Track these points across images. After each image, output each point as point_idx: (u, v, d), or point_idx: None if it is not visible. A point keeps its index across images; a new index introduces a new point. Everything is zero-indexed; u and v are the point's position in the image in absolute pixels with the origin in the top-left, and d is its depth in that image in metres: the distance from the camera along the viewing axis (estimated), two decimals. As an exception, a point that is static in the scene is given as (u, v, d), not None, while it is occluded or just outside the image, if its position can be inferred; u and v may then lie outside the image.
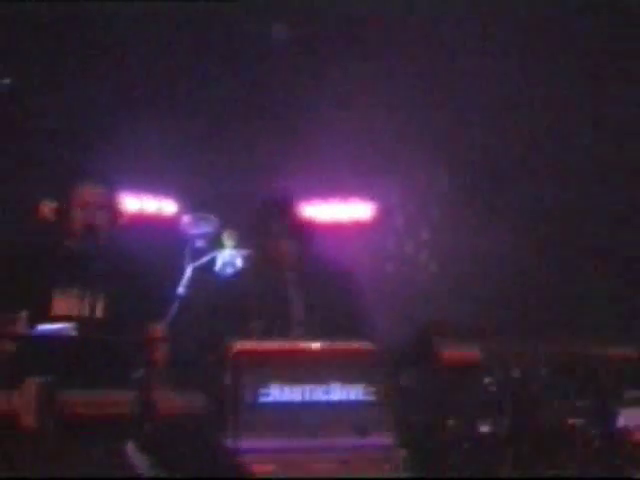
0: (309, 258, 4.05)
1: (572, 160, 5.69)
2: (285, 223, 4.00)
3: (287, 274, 4.04)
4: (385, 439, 3.01)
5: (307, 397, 2.97)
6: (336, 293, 3.99)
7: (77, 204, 3.76)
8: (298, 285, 4.03)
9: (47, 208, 3.76)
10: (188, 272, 5.79)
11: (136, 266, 3.87)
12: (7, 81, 5.33)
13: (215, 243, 5.92)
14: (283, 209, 4.06)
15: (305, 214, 4.28)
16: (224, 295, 4.07)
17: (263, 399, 2.94)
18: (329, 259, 4.18)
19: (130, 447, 2.93)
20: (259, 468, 2.87)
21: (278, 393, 2.95)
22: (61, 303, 3.62)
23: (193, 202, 5.83)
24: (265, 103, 5.80)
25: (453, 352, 3.25)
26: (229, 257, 5.86)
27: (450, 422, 3.23)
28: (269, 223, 4.01)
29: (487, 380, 3.29)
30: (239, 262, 5.82)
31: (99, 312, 3.54)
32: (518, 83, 5.61)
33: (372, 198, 6.00)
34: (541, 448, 3.18)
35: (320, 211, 5.99)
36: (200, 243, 5.87)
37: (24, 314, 3.04)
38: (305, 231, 4.07)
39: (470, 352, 3.26)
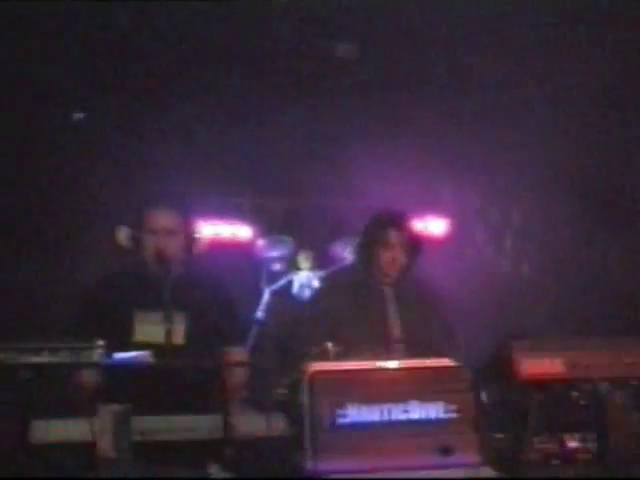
0: (410, 274, 4.09)
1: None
2: (401, 234, 4.05)
3: (386, 290, 4.05)
4: (469, 458, 2.94)
5: (386, 417, 2.92)
6: (430, 310, 4.04)
7: (148, 230, 3.78)
8: (396, 301, 4.04)
9: (123, 234, 3.80)
10: (266, 296, 5.81)
11: (212, 292, 3.87)
12: (81, 115, 5.47)
13: (291, 265, 5.93)
14: (400, 221, 4.11)
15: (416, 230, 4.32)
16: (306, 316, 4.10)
17: (341, 420, 2.90)
18: (420, 276, 4.18)
19: (213, 471, 2.93)
20: (340, 491, 2.83)
21: (356, 413, 2.91)
22: (138, 329, 3.65)
23: (268, 225, 5.86)
24: (338, 123, 5.80)
25: (535, 366, 3.16)
26: (306, 279, 5.86)
27: (536, 439, 3.14)
28: (386, 233, 4.05)
29: (574, 394, 3.20)
30: (316, 283, 5.81)
31: (176, 338, 3.55)
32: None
33: (446, 214, 5.95)
34: (630, 464, 3.07)
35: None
36: (276, 266, 5.89)
37: (101, 343, 3.07)
38: (416, 247, 4.11)
39: (552, 365, 3.17)
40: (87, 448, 2.75)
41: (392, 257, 4.05)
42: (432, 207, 5.89)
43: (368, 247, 4.11)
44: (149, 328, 3.61)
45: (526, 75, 5.53)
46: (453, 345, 3.95)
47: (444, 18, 5.14)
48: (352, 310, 3.97)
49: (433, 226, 6.15)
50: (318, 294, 4.70)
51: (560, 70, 5.46)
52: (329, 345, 3.54)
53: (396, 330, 4.00)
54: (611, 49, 5.26)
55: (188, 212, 3.90)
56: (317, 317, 3.99)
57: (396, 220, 4.12)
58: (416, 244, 4.13)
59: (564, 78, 5.50)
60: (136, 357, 3.15)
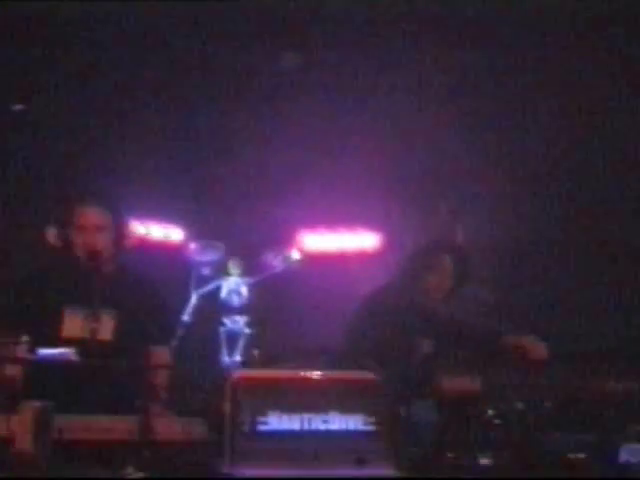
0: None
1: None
2: (456, 262, 4.18)
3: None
4: (384, 470, 2.99)
5: (306, 426, 2.96)
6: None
7: (76, 227, 3.77)
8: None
9: (51, 234, 3.78)
10: (193, 299, 5.81)
11: (142, 290, 3.88)
12: (19, 107, 5.40)
13: (221, 271, 5.93)
14: (456, 250, 4.27)
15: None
16: None
17: (261, 427, 2.92)
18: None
19: (129, 473, 2.92)
20: (256, 497, 2.85)
21: (277, 421, 2.93)
22: (66, 325, 3.63)
23: (200, 229, 5.85)
24: (274, 132, 5.83)
25: (454, 383, 3.24)
26: (234, 285, 5.87)
27: (450, 454, 3.21)
28: (439, 258, 4.16)
29: (489, 412, 3.28)
30: (244, 290, 5.82)
31: (103, 334, 3.54)
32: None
33: (379, 228, 6.02)
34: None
35: (327, 241, 6.00)
36: (206, 270, 5.89)
37: (26, 338, 3.05)
38: (465, 276, 4.23)
39: (471, 384, 3.25)
40: (5, 444, 2.73)
41: (439, 281, 4.16)
42: (364, 221, 5.95)
43: (416, 269, 4.19)
44: (77, 324, 3.60)
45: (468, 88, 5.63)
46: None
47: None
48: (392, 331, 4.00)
49: (365, 240, 6.21)
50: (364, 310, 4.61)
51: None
52: (255, 352, 3.57)
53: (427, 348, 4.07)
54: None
55: (117, 209, 3.90)
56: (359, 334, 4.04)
57: (450, 247, 4.29)
58: (465, 273, 4.25)
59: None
60: (60, 354, 3.14)
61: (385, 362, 3.61)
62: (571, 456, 3.22)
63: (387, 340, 3.96)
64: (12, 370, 3.27)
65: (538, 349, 3.77)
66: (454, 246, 4.37)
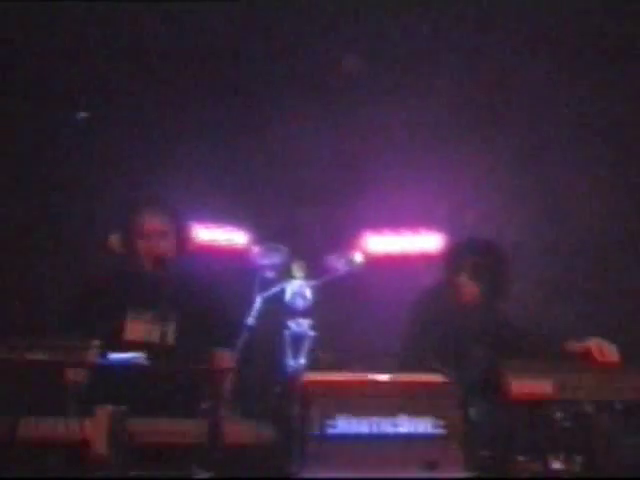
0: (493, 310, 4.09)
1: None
2: (481, 260, 4.05)
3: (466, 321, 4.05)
4: (454, 474, 2.96)
5: (374, 429, 2.95)
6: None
7: (139, 234, 3.82)
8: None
9: (115, 241, 3.83)
10: (257, 303, 5.82)
11: (206, 295, 3.91)
12: (83, 114, 5.48)
13: (285, 274, 5.93)
14: (483, 250, 4.11)
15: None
16: None
17: (330, 431, 2.92)
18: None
19: (199, 476, 2.95)
20: (325, 500, 2.85)
21: (345, 425, 2.93)
22: (133, 330, 3.67)
23: (263, 233, 5.87)
24: (335, 133, 5.82)
25: (523, 385, 3.20)
26: (298, 288, 5.87)
27: (520, 458, 3.17)
28: (466, 259, 4.07)
29: (559, 415, 3.23)
30: (308, 293, 5.82)
31: (170, 339, 3.58)
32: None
33: (440, 229, 5.96)
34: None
35: (390, 242, 5.97)
36: (270, 274, 5.90)
37: (96, 343, 3.09)
38: (499, 280, 4.08)
39: (541, 385, 3.21)
40: (79, 449, 2.77)
41: (470, 286, 4.05)
42: (426, 222, 5.90)
43: (448, 272, 4.12)
44: (142, 327, 3.64)
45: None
46: None
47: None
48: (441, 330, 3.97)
49: (427, 241, 6.16)
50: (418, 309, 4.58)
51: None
52: (320, 355, 3.57)
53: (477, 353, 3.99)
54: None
55: (179, 214, 3.95)
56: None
57: (478, 247, 4.14)
58: (497, 273, 4.09)
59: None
60: (131, 358, 3.18)
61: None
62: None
63: (439, 344, 3.90)
64: (81, 375, 3.33)
65: (606, 352, 3.68)
66: (483, 246, 4.14)
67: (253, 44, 5.42)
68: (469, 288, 4.06)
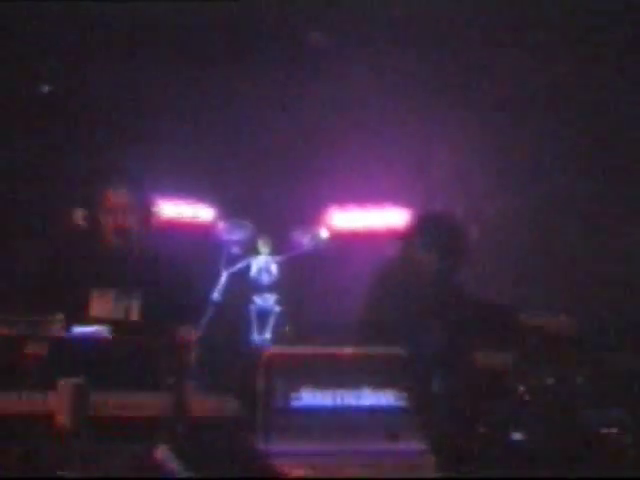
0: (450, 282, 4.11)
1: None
2: (440, 235, 4.07)
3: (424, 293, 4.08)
4: (416, 445, 3.00)
5: (338, 402, 2.98)
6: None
7: (103, 208, 3.80)
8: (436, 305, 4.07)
9: (78, 215, 3.82)
10: (223, 278, 5.83)
11: (171, 270, 3.90)
12: (46, 88, 5.43)
13: (250, 249, 5.94)
14: (442, 222, 4.14)
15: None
16: None
17: (294, 403, 2.95)
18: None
19: (162, 449, 2.95)
20: (290, 472, 2.88)
21: (310, 397, 2.96)
22: (97, 305, 3.66)
23: (229, 208, 5.87)
24: (300, 109, 5.82)
25: (485, 357, 3.24)
26: (264, 263, 5.89)
27: (482, 429, 3.22)
28: (423, 233, 4.08)
29: (520, 387, 3.28)
30: (274, 268, 5.84)
31: (134, 314, 3.58)
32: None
33: (408, 204, 5.99)
34: (573, 458, 3.15)
35: (355, 218, 5.99)
36: (235, 249, 5.90)
37: (60, 317, 3.08)
38: (456, 253, 4.10)
39: (503, 357, 3.25)
40: (43, 420, 2.76)
41: (429, 258, 4.08)
42: (392, 197, 5.93)
43: (408, 246, 4.14)
44: (107, 304, 3.63)
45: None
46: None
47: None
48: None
49: (394, 216, 6.18)
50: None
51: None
52: (286, 329, 3.59)
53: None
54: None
55: (144, 189, 3.93)
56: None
57: (436, 220, 4.17)
58: (456, 245, 4.11)
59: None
60: (94, 332, 3.18)
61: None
62: (603, 431, 3.21)
63: (398, 318, 3.93)
64: (44, 348, 3.31)
65: (561, 326, 3.70)
66: (441, 219, 4.17)
67: (217, 16, 5.39)
68: (428, 261, 4.09)
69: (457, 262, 4.12)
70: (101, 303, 3.67)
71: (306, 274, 5.49)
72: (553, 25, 5.46)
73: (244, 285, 5.67)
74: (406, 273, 4.10)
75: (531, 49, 5.60)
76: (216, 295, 5.72)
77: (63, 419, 2.71)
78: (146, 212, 3.89)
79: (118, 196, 3.83)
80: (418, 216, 4.26)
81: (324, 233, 5.53)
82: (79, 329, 3.16)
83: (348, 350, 3.12)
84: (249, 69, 5.62)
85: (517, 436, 3.21)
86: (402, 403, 3.01)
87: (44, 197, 5.36)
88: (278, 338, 3.71)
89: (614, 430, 3.22)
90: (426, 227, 4.13)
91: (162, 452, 2.88)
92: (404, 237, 4.22)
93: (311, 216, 5.52)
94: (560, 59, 5.56)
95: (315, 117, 5.79)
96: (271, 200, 5.91)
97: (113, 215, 3.80)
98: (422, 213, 4.26)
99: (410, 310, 3.94)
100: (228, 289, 5.68)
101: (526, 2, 5.36)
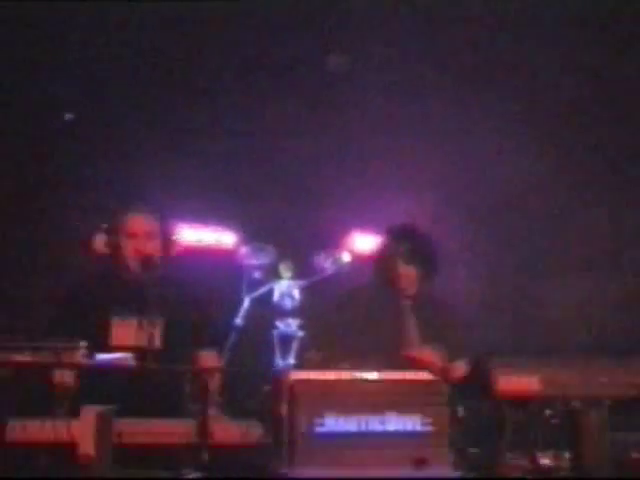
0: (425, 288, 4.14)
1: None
2: (416, 247, 4.11)
3: (404, 304, 4.09)
4: (443, 471, 2.97)
5: (363, 427, 2.95)
6: (445, 325, 4.07)
7: (125, 235, 3.82)
8: (414, 316, 4.07)
9: (99, 242, 3.82)
10: (245, 303, 5.81)
11: (194, 295, 3.91)
12: (69, 116, 5.46)
13: (273, 274, 5.93)
14: (415, 234, 4.17)
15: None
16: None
17: (319, 429, 2.92)
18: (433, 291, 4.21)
19: (187, 476, 2.94)
20: (315, 499, 2.86)
21: (334, 423, 2.93)
22: (120, 333, 3.65)
23: (251, 233, 5.87)
24: (322, 133, 5.83)
25: (511, 382, 3.20)
26: (286, 288, 5.87)
27: (509, 455, 3.18)
28: (401, 246, 4.11)
29: (547, 412, 3.24)
30: (296, 293, 5.82)
31: (157, 341, 3.56)
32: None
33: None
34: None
35: (376, 242, 5.97)
36: (257, 274, 5.89)
37: (83, 344, 3.08)
38: (432, 261, 4.14)
39: (529, 382, 3.21)
40: (66, 449, 2.76)
41: (404, 269, 4.08)
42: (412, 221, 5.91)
43: (382, 260, 4.14)
44: (129, 332, 3.63)
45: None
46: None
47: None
48: (370, 325, 3.99)
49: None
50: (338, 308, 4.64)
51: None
52: (311, 354, 3.57)
53: (415, 345, 4.01)
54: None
55: (165, 214, 3.95)
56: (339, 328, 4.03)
57: (409, 233, 4.19)
58: (429, 257, 4.15)
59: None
60: (118, 359, 3.17)
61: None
62: (634, 455, 3.17)
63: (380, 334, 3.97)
64: (69, 376, 3.31)
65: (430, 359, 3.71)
66: (415, 230, 4.20)
67: (239, 47, 5.42)
68: (406, 273, 4.07)
69: (432, 271, 4.13)
70: (123, 330, 3.66)
71: (329, 299, 5.46)
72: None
73: (266, 310, 5.66)
74: (382, 289, 4.10)
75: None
76: (239, 320, 5.71)
77: (87, 448, 2.71)
78: (167, 238, 3.90)
79: (139, 222, 3.85)
80: (391, 232, 4.24)
81: (346, 257, 5.50)
82: (102, 356, 3.15)
83: (372, 375, 3.10)
84: (269, 94, 5.64)
85: (545, 461, 3.17)
86: (428, 428, 2.98)
87: (65, 224, 5.38)
88: (302, 363, 3.68)
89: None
90: (404, 238, 4.14)
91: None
92: (382, 249, 4.19)
93: (333, 240, 5.50)
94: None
95: (336, 141, 5.79)
96: (293, 224, 5.90)
97: (134, 241, 3.81)
98: (393, 228, 4.25)
99: (391, 324, 4.00)
100: (250, 314, 5.67)
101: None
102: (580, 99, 5.60)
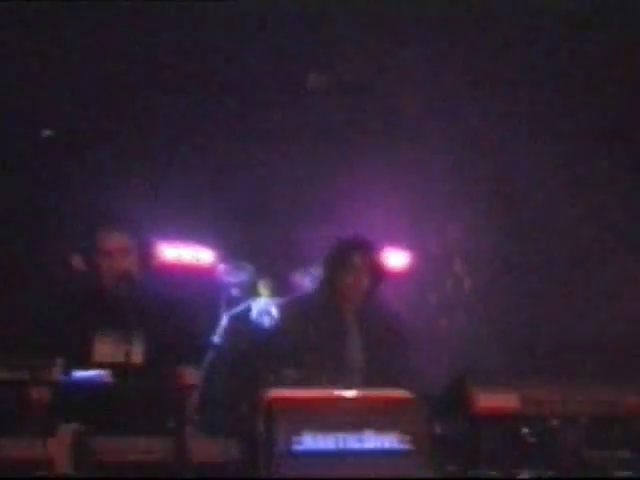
0: (372, 301, 4.14)
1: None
2: (365, 258, 4.12)
3: (348, 315, 4.10)
4: (421, 489, 2.96)
5: (341, 445, 2.94)
6: (394, 339, 4.08)
7: (100, 253, 3.82)
8: (358, 327, 4.09)
9: (77, 259, 3.83)
10: (224, 321, 5.80)
11: (171, 312, 3.90)
12: (48, 132, 5.45)
13: (251, 292, 5.93)
14: (364, 245, 4.19)
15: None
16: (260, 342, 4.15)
17: (296, 447, 2.91)
18: (382, 303, 4.24)
19: None
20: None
21: (311, 441, 2.92)
22: (98, 349, 3.64)
23: (229, 251, 5.87)
24: (302, 152, 5.85)
25: (489, 400, 3.21)
26: (264, 305, 5.87)
27: (487, 472, 3.18)
28: (349, 256, 4.11)
29: (525, 430, 3.24)
30: (274, 311, 5.82)
31: (135, 358, 3.55)
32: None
33: (408, 247, 6.00)
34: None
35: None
36: (236, 292, 5.89)
37: (60, 361, 3.06)
38: (380, 272, 4.17)
39: (507, 400, 3.22)
40: (42, 467, 2.73)
41: (354, 280, 4.09)
42: (393, 240, 5.93)
43: (331, 270, 4.16)
44: (109, 348, 3.62)
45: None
46: (412, 377, 3.97)
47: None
48: (313, 335, 3.99)
49: (394, 259, 6.19)
50: (279, 319, 4.74)
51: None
52: (289, 371, 3.56)
53: (357, 356, 4.04)
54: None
55: (141, 232, 3.95)
56: (278, 342, 4.02)
57: (360, 244, 4.19)
58: (379, 269, 4.18)
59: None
60: (94, 376, 3.15)
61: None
62: (617, 474, 3.18)
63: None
64: (44, 393, 3.29)
65: None
66: (364, 244, 4.21)
67: (221, 66, 5.43)
68: (356, 284, 4.10)
69: (378, 282, 4.16)
70: (102, 347, 3.65)
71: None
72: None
73: (244, 327, 5.65)
74: (326, 302, 4.12)
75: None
76: (216, 338, 5.69)
77: (63, 466, 2.68)
78: (144, 255, 3.90)
79: (115, 239, 3.85)
80: (340, 244, 4.27)
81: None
82: (80, 373, 3.13)
83: (350, 392, 3.10)
84: (248, 113, 5.65)
85: (523, 477, 3.17)
86: (406, 446, 2.98)
87: (43, 242, 5.36)
88: (279, 380, 3.67)
89: (627, 474, 3.19)
90: (353, 249, 4.16)
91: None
92: (331, 261, 4.22)
93: (310, 257, 5.51)
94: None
95: (312, 160, 5.82)
96: (270, 242, 5.91)
97: (109, 259, 3.82)
98: (343, 240, 4.28)
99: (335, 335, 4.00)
100: (228, 332, 5.66)
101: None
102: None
